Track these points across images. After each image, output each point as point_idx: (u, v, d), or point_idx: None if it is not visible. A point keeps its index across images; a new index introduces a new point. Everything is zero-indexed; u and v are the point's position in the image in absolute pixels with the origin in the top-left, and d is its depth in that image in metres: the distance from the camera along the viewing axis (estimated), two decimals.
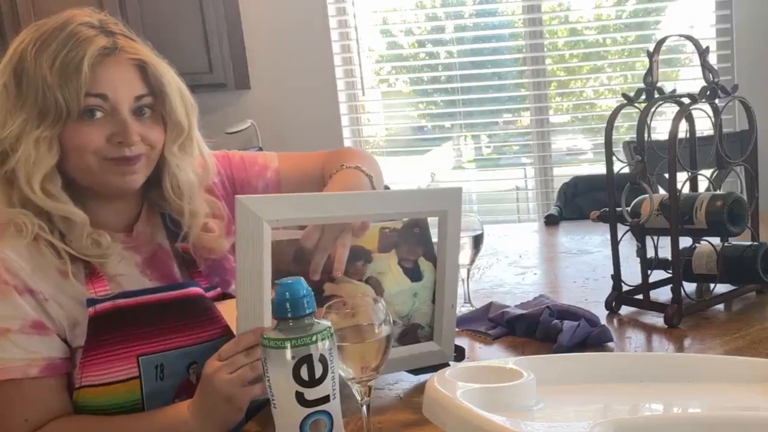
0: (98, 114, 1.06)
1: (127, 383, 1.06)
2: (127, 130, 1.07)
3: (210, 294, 1.18)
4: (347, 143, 3.42)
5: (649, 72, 1.32)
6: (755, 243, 1.36)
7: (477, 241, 1.45)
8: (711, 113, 1.36)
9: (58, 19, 1.07)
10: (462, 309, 1.46)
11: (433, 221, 1.16)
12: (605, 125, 1.36)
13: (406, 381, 1.16)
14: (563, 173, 3.32)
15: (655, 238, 1.39)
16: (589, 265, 1.77)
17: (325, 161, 1.35)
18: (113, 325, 1.06)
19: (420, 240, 1.17)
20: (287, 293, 0.80)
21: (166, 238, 1.21)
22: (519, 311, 1.34)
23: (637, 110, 1.33)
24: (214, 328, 1.15)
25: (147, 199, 1.21)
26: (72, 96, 1.03)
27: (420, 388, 1.03)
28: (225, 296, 1.21)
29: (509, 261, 1.88)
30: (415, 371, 1.17)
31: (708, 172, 1.42)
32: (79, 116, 1.05)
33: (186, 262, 1.21)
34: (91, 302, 1.06)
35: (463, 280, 1.49)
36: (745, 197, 1.34)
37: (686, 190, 1.38)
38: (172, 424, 1.03)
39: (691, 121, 1.41)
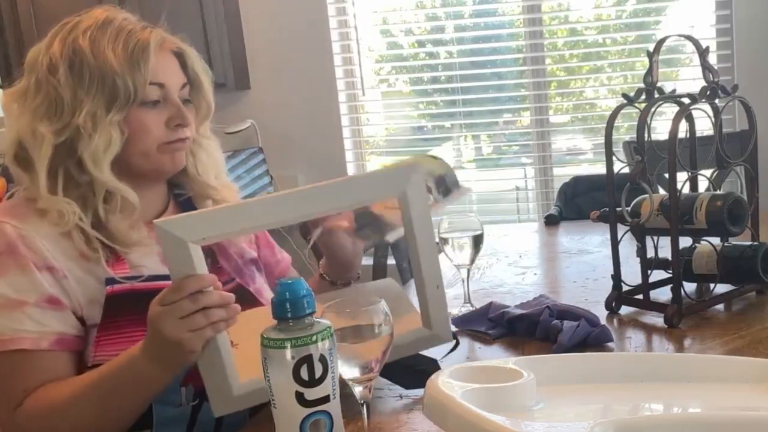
0: (157, 100, 1.14)
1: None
2: (183, 113, 1.16)
3: (228, 287, 1.21)
4: (347, 143, 3.42)
5: (649, 72, 1.32)
6: (755, 243, 1.36)
7: (477, 241, 1.45)
8: (711, 113, 1.36)
9: (96, 16, 1.15)
10: (462, 309, 1.46)
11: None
12: (605, 125, 1.36)
13: None
14: (563, 173, 3.32)
15: (655, 238, 1.39)
16: (589, 265, 1.77)
17: None
18: (128, 307, 1.09)
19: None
20: (287, 293, 0.80)
21: None
22: (519, 311, 1.34)
23: (637, 110, 1.33)
24: None
25: (173, 195, 1.28)
26: (139, 81, 1.11)
27: (420, 388, 1.03)
28: (243, 290, 1.25)
29: (509, 261, 1.88)
30: (406, 382, 1.13)
31: (708, 172, 1.42)
32: (142, 102, 1.13)
33: (206, 257, 1.23)
34: (110, 281, 1.10)
35: (463, 280, 1.49)
36: (745, 197, 1.34)
37: (686, 190, 1.38)
38: (127, 365, 1.02)
39: (691, 121, 1.41)
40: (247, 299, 1.24)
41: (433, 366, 1.11)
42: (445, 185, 1.20)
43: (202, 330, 0.95)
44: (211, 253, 1.25)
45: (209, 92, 1.23)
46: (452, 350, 1.20)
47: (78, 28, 1.13)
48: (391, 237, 1.22)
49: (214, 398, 0.99)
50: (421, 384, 1.10)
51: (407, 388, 1.13)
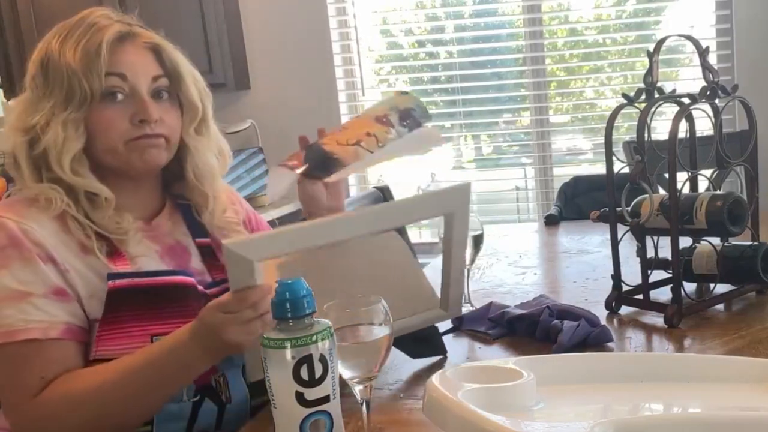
0: (119, 96, 1.13)
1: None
2: (147, 108, 1.14)
3: (227, 284, 1.21)
4: None
5: (649, 72, 1.32)
6: (755, 243, 1.36)
7: (477, 241, 1.45)
8: (711, 113, 1.36)
9: (79, 15, 1.16)
10: (462, 309, 1.45)
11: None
12: (605, 125, 1.36)
13: (406, 381, 1.17)
14: (563, 173, 3.32)
15: (655, 238, 1.39)
16: (589, 265, 1.77)
17: None
18: (129, 302, 1.10)
19: None
20: (287, 293, 0.80)
21: (186, 235, 1.25)
22: (519, 311, 1.34)
23: (637, 110, 1.33)
24: None
25: (170, 195, 1.27)
26: (93, 78, 1.10)
27: (420, 387, 1.03)
28: None
29: (509, 261, 1.88)
30: (414, 352, 1.19)
31: (708, 172, 1.42)
32: (101, 98, 1.12)
33: (205, 257, 1.25)
34: (111, 276, 1.10)
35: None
36: (745, 197, 1.34)
37: (686, 190, 1.38)
38: (174, 354, 1.04)
39: (691, 121, 1.41)
40: None
41: (434, 333, 1.22)
42: (412, 118, 1.21)
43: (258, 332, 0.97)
44: (211, 250, 1.25)
45: (192, 90, 1.19)
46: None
47: (56, 31, 1.15)
48: (334, 177, 1.21)
49: (250, 364, 1.08)
50: (425, 352, 1.21)
51: (413, 357, 1.20)
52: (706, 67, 1.33)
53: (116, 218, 1.14)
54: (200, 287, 1.18)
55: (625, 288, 1.40)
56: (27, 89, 1.16)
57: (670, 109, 1.36)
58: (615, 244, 1.38)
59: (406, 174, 3.58)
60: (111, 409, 1.05)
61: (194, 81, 1.21)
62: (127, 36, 1.15)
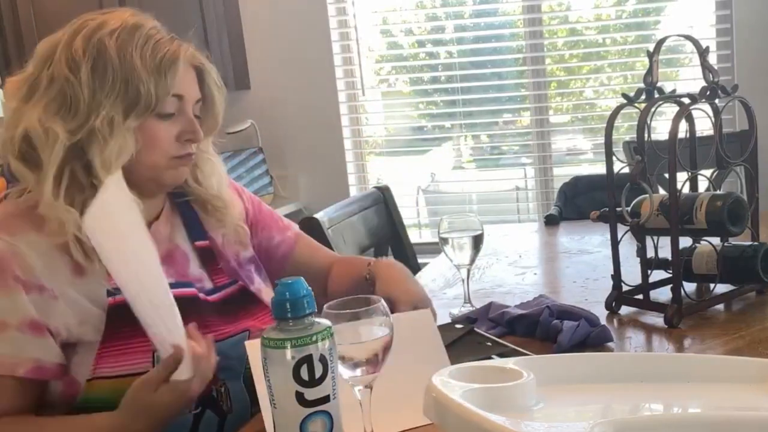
0: (173, 112, 1.13)
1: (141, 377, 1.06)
2: (197, 130, 1.15)
3: (229, 289, 1.22)
4: (347, 143, 3.42)
5: (649, 72, 1.32)
6: (755, 243, 1.36)
7: (477, 241, 1.45)
8: (711, 113, 1.36)
9: (123, 19, 1.11)
10: (462, 309, 1.46)
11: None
12: (605, 125, 1.36)
13: None
14: (563, 173, 3.32)
15: (655, 238, 1.39)
16: (589, 265, 1.77)
17: (337, 261, 1.43)
18: (129, 317, 1.06)
19: None
20: (287, 293, 0.80)
21: (185, 239, 1.24)
22: (519, 311, 1.34)
23: (637, 110, 1.33)
24: (227, 327, 1.17)
25: (171, 201, 1.25)
26: (161, 92, 1.09)
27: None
28: (245, 291, 1.25)
29: (509, 261, 1.88)
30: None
31: (708, 172, 1.42)
32: (158, 113, 1.11)
33: (205, 261, 1.23)
34: (110, 293, 1.08)
35: (463, 280, 1.49)
36: (745, 197, 1.34)
37: (686, 190, 1.38)
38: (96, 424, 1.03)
39: (691, 121, 1.41)
40: (250, 300, 1.25)
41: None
42: None
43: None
44: (211, 255, 1.25)
45: (221, 109, 1.22)
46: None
47: (104, 28, 1.09)
48: None
49: None
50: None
51: None
52: (706, 67, 1.33)
53: None
54: (201, 295, 1.17)
55: (625, 288, 1.40)
56: (49, 82, 1.07)
57: (670, 109, 1.36)
58: (615, 244, 1.38)
59: (406, 174, 3.58)
60: None
61: (222, 101, 1.22)
62: (192, 57, 1.17)
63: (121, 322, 1.07)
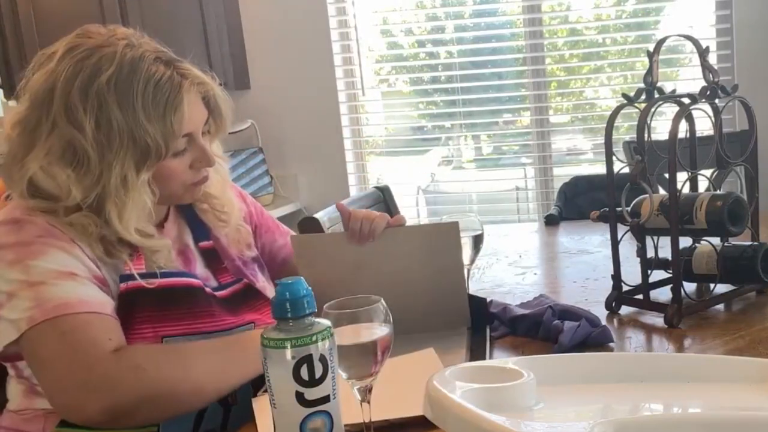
0: (184, 148, 1.13)
1: None
2: (208, 156, 1.16)
3: (235, 287, 1.24)
4: (347, 143, 3.42)
5: (649, 72, 1.32)
6: (755, 243, 1.36)
7: (477, 241, 1.44)
8: (711, 113, 1.36)
9: (118, 59, 1.06)
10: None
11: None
12: (605, 125, 1.36)
13: None
14: (563, 173, 3.32)
15: (655, 238, 1.39)
16: (589, 265, 1.77)
17: None
18: (140, 304, 1.09)
19: None
20: (287, 293, 0.80)
21: (191, 239, 1.26)
22: (521, 311, 1.34)
23: (637, 110, 1.33)
24: (232, 318, 1.19)
25: (175, 204, 1.26)
26: (170, 138, 1.08)
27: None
28: (250, 288, 1.26)
29: (509, 261, 1.88)
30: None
31: (708, 172, 1.42)
32: (171, 155, 1.11)
33: (208, 261, 1.25)
34: (124, 278, 1.10)
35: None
36: (745, 197, 1.34)
37: (686, 190, 1.38)
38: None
39: (691, 121, 1.41)
40: (255, 295, 1.26)
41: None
42: None
43: None
44: (215, 255, 1.26)
45: (228, 117, 1.21)
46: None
47: (100, 75, 1.05)
48: None
49: None
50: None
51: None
52: (706, 67, 1.33)
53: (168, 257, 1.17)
54: (208, 289, 1.19)
55: (625, 288, 1.40)
56: (51, 129, 1.06)
57: (670, 109, 1.36)
58: (615, 244, 1.38)
59: (405, 174, 3.58)
60: (192, 370, 1.03)
61: (229, 109, 1.21)
62: (189, 87, 1.12)
63: (132, 308, 1.09)
